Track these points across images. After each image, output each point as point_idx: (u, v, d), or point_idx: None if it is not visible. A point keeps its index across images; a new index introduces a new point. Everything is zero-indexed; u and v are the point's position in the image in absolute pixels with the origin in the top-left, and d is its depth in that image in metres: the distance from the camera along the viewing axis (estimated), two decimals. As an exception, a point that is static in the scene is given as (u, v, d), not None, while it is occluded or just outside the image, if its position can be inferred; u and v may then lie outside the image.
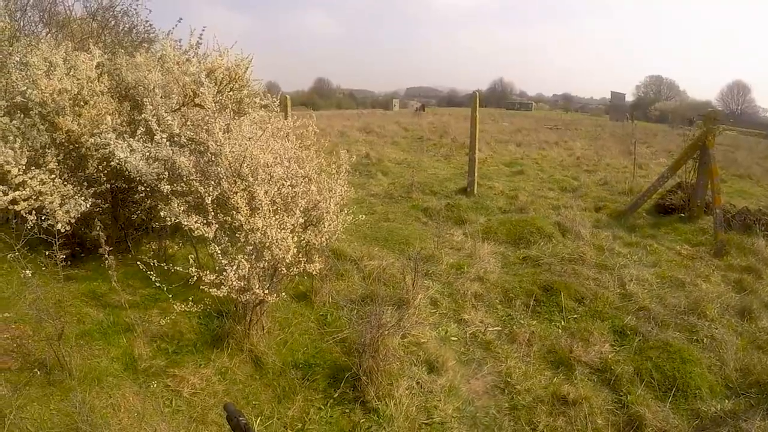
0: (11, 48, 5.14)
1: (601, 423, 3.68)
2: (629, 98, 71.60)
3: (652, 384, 4.10)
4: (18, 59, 4.86)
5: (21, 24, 7.26)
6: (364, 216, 4.58)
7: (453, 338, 4.66)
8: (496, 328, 4.89)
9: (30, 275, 3.83)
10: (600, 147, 19.83)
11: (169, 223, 3.98)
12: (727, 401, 3.96)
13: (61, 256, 3.88)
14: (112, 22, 8.15)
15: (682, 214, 8.86)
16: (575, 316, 5.19)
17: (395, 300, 4.95)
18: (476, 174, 10.21)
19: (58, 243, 3.84)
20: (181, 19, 6.13)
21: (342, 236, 4.63)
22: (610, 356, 4.45)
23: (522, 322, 5.00)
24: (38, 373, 3.48)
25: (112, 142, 4.32)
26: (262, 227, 3.60)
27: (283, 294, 4.01)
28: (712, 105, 59.62)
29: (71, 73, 4.78)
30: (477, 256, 6.44)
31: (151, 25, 8.62)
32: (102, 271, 5.04)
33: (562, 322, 5.05)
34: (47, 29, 7.54)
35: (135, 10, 8.34)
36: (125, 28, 8.19)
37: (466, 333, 4.77)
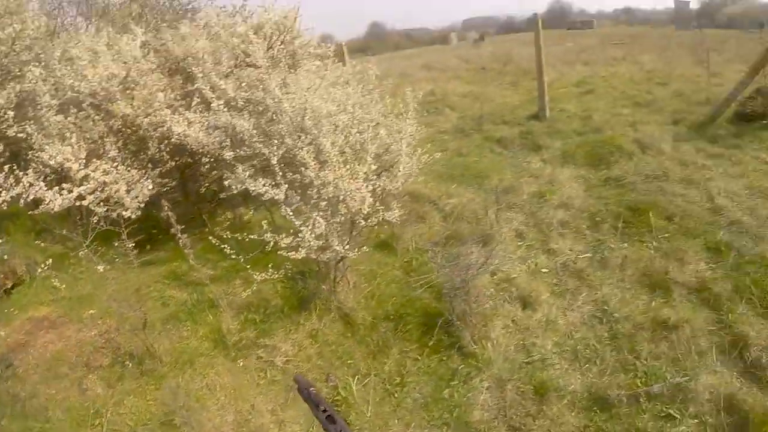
0: (53, 44, 5.12)
1: (704, 345, 3.50)
2: (694, 5, 67.39)
3: (753, 300, 3.84)
4: (59, 54, 4.83)
5: (59, 21, 7.27)
6: (438, 154, 4.38)
7: (544, 270, 4.48)
8: (586, 255, 4.67)
9: (102, 270, 3.87)
10: (670, 58, 18.61)
11: (236, 191, 3.89)
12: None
13: (131, 244, 3.86)
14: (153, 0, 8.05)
15: (765, 121, 8.25)
16: (666, 235, 4.89)
17: (480, 237, 4.77)
18: (546, 98, 9.73)
19: (125, 231, 3.83)
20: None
21: (417, 178, 4.45)
22: (706, 275, 4.19)
23: (612, 246, 4.76)
24: (129, 365, 3.52)
25: (168, 119, 4.25)
26: (334, 180, 3.45)
27: (364, 247, 3.88)
28: None
29: (116, 58, 4.72)
30: (558, 182, 6.19)
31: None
32: (180, 250, 5.08)
33: (654, 243, 4.77)
34: (87, 22, 7.54)
35: None
36: (166, 3, 8.10)
37: (557, 263, 4.57)
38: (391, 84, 4.89)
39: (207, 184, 5.15)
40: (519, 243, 4.92)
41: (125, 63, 4.71)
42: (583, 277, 4.37)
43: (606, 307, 3.98)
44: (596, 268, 4.47)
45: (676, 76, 14.32)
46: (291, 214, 3.46)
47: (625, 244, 4.79)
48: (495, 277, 4.25)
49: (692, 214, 5.16)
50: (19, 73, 4.78)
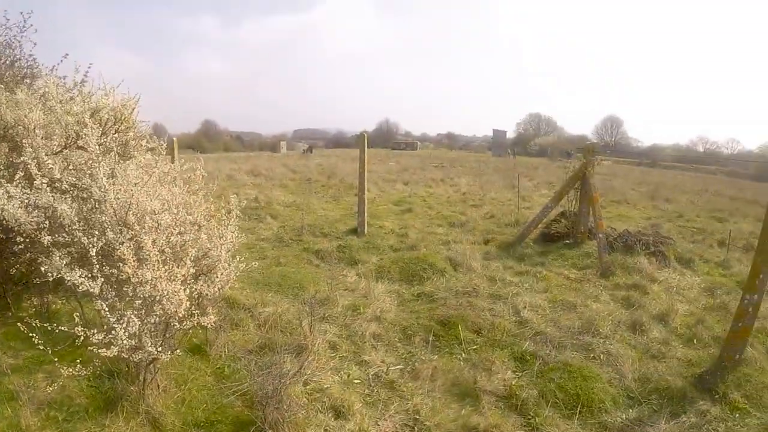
0: None
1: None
2: (510, 135, 75.87)
3: (558, 404, 4.28)
4: None
5: None
6: (256, 263, 4.44)
7: (356, 381, 4.60)
8: (398, 367, 4.89)
9: None
10: (485, 182, 20.97)
11: (51, 278, 3.66)
12: (631, 410, 4.24)
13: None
14: (-5, 55, 7.46)
15: (568, 241, 9.45)
16: (475, 347, 5.30)
17: (294, 347, 4.83)
18: (366, 214, 10.34)
19: None
20: (66, 54, 5.77)
21: (234, 284, 4.46)
22: (513, 382, 4.57)
23: (423, 358, 5.03)
24: None
25: (-12, 188, 3.94)
26: (152, 279, 3.39)
27: (177, 351, 3.80)
28: (588, 138, 65.04)
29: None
30: (372, 296, 6.47)
31: (35, 59, 7.98)
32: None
33: (463, 354, 5.14)
34: None
35: (19, 42, 7.69)
36: (7, 62, 7.53)
37: (369, 374, 4.73)
38: (216, 186, 4.96)
39: (17, 266, 4.77)
40: (332, 354, 5.02)
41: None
42: (395, 387, 4.54)
43: (417, 416, 4.13)
44: (407, 379, 4.67)
45: (489, 198, 16.26)
46: (106, 309, 3.32)
47: (436, 356, 5.09)
48: (308, 386, 4.28)
49: (499, 327, 5.64)
50: None
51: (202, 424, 3.80)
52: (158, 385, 3.96)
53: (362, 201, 10.22)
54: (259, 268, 4.17)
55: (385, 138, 78.41)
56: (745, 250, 9.90)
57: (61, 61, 5.85)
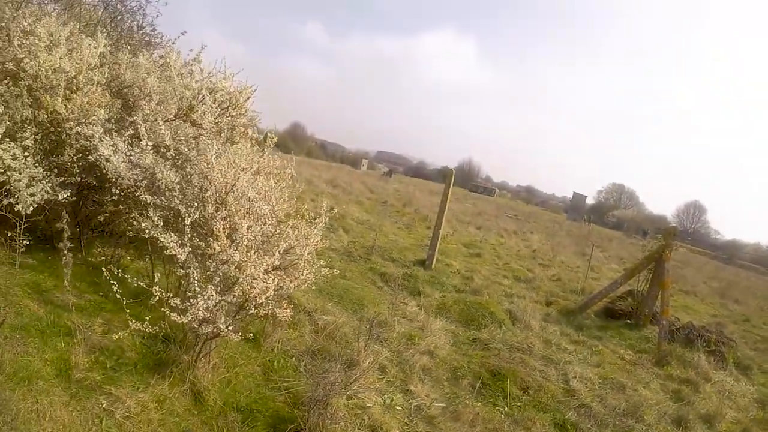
0: (16, 13, 4.94)
1: None
2: (590, 201, 74.80)
3: None
4: (25, 25, 4.68)
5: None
6: (337, 270, 4.49)
7: (398, 407, 4.56)
8: (441, 404, 4.82)
9: None
10: (556, 243, 20.63)
11: (127, 234, 3.80)
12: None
13: (25, 241, 3.64)
14: (120, 17, 7.95)
15: (629, 321, 9.17)
16: (519, 404, 5.22)
17: (345, 359, 4.84)
18: (437, 249, 10.39)
19: (22, 225, 3.62)
20: (185, 31, 6.07)
21: (310, 285, 4.53)
22: (550, 449, 4.44)
23: (467, 402, 4.97)
24: None
25: (98, 136, 4.15)
26: (239, 261, 3.48)
27: (249, 333, 3.88)
28: (668, 220, 63.26)
29: (72, 55, 4.63)
30: (429, 329, 6.45)
31: (154, 29, 8.45)
32: (50, 264, 4.81)
33: (506, 408, 5.06)
34: (53, 5, 7.31)
35: (144, 9, 8.17)
36: (132, 26, 8.00)
37: (411, 404, 4.68)
38: (301, 189, 5.05)
39: (102, 214, 4.97)
40: (380, 376, 5.01)
41: (78, 64, 4.61)
42: (434, 423, 4.49)
43: (450, 457, 4.05)
44: (448, 419, 4.61)
45: (558, 261, 16.02)
46: (196, 277, 3.44)
47: (480, 403, 5.02)
48: (351, 401, 4.27)
49: (547, 390, 5.54)
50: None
51: (242, 408, 3.84)
52: (209, 361, 4.03)
53: (436, 235, 10.30)
54: (324, 277, 4.22)
55: (465, 178, 78.67)
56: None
57: (179, 36, 6.15)
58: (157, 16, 8.63)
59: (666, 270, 8.72)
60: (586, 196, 70.29)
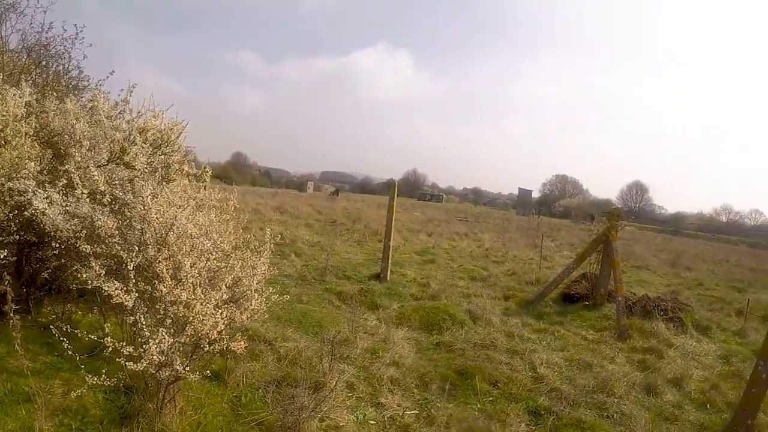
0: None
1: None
2: (536, 195, 76.57)
3: None
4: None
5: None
6: (287, 296, 4.47)
7: (371, 422, 4.56)
8: (413, 412, 4.84)
9: None
10: (507, 240, 21.08)
11: (74, 288, 3.71)
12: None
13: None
14: (44, 62, 7.73)
15: (587, 302, 9.40)
16: (490, 398, 5.27)
17: (312, 383, 4.77)
18: (390, 261, 10.44)
19: None
20: (113, 71, 5.95)
21: (262, 315, 4.49)
22: (527, 435, 4.52)
23: (439, 405, 4.99)
24: None
25: (30, 190, 4.03)
26: (187, 300, 3.43)
27: (207, 371, 3.81)
28: (612, 203, 65.29)
29: (-1, 108, 4.49)
30: (391, 341, 6.48)
31: (81, 71, 8.25)
32: (6, 331, 4.62)
33: (479, 405, 5.10)
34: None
35: (70, 53, 7.96)
36: (58, 70, 7.79)
37: (384, 417, 4.68)
38: (245, 219, 5.03)
39: (46, 270, 4.82)
40: (349, 394, 4.99)
41: (3, 116, 4.47)
42: (409, 431, 4.51)
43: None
44: (422, 425, 4.61)
45: (511, 256, 16.43)
46: (143, 323, 3.37)
47: (451, 405, 5.04)
48: (323, 423, 4.24)
49: (516, 381, 5.62)
50: None
51: (215, 450, 3.77)
52: (176, 406, 3.94)
53: (387, 247, 10.33)
54: (280, 304, 4.20)
55: (412, 188, 79.41)
56: (763, 320, 9.85)
57: (107, 77, 6.03)
58: (84, 58, 8.48)
59: (615, 249, 8.99)
60: (531, 191, 71.89)
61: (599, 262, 9.54)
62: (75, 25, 7.69)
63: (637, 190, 78.61)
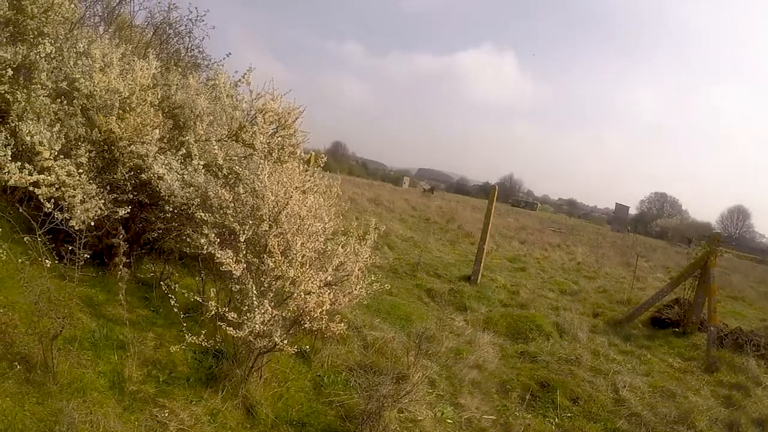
0: (71, 34, 5.09)
1: None
2: (632, 211, 73.68)
3: None
4: (81, 47, 4.84)
5: (84, 15, 7.27)
6: (388, 285, 4.53)
7: (449, 420, 4.57)
8: (491, 417, 4.81)
9: (21, 262, 3.69)
10: (600, 255, 20.26)
11: (175, 250, 3.87)
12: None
13: (86, 255, 3.69)
14: (170, 40, 8.18)
15: (677, 329, 8.96)
16: (569, 414, 5.18)
17: (395, 374, 4.82)
18: (482, 264, 10.37)
19: (81, 237, 3.68)
20: (229, 53, 6.21)
21: (361, 300, 4.56)
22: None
23: (517, 414, 4.95)
24: (18, 367, 3.30)
25: (152, 155, 4.26)
26: (294, 277, 3.54)
27: (304, 346, 3.94)
28: (712, 227, 61.63)
29: (126, 76, 4.77)
30: (476, 344, 6.43)
31: (201, 51, 8.66)
32: (101, 278, 4.95)
33: (556, 419, 5.03)
34: (105, 27, 7.56)
35: (191, 33, 8.38)
36: (181, 48, 8.23)
37: (462, 417, 4.67)
38: (346, 207, 5.11)
39: (153, 231, 5.08)
40: (430, 390, 5.00)
41: (131, 85, 4.74)
42: (484, 435, 4.48)
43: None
44: (498, 431, 4.59)
45: (603, 272, 15.85)
46: (254, 292, 3.51)
47: (530, 415, 4.99)
48: (402, 414, 4.28)
49: (596, 400, 5.48)
50: (32, 41, 4.67)
51: (294, 422, 3.89)
52: (261, 376, 4.09)
53: (481, 250, 10.30)
54: (371, 294, 4.25)
55: (507, 193, 78.39)
56: None
57: (225, 57, 6.28)
58: (203, 38, 8.90)
59: (712, 276, 8.50)
60: (628, 207, 69.32)
61: (694, 288, 9.07)
62: (197, 7, 8.12)
63: (739, 215, 73.68)
